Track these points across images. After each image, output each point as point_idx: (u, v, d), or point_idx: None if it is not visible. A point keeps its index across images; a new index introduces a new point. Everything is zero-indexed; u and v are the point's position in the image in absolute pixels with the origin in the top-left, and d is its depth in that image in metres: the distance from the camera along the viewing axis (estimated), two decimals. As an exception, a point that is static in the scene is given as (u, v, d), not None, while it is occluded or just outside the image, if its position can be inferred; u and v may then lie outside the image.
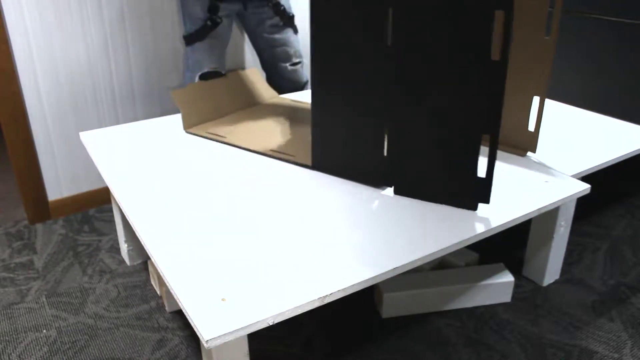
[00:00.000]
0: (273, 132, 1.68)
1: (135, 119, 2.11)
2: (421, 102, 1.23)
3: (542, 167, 1.49)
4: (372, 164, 1.35)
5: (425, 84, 1.21)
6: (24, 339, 1.46)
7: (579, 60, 1.92)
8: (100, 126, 2.05)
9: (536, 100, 1.50)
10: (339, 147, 1.39)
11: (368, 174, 1.37)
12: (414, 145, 1.27)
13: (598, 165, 1.54)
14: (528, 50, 1.47)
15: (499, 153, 1.58)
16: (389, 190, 1.36)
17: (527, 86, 1.50)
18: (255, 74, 2.02)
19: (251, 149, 1.57)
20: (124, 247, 1.76)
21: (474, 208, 1.26)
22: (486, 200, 1.24)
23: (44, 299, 1.61)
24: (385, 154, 1.32)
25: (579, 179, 1.45)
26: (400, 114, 1.26)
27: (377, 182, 1.37)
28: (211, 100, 1.80)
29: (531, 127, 1.55)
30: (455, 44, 1.15)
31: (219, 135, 1.64)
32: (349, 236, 1.16)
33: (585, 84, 1.93)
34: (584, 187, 1.38)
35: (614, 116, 1.89)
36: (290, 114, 1.84)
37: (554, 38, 1.42)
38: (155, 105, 2.14)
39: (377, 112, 1.30)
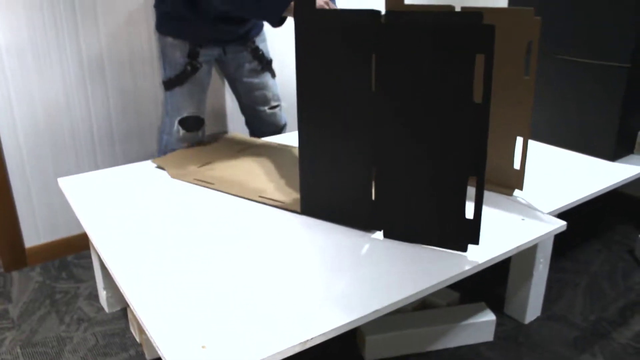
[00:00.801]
0: (260, 176, 1.68)
1: (115, 161, 2.11)
2: (406, 146, 1.24)
3: (518, 206, 1.51)
4: (361, 208, 1.35)
5: (409, 129, 1.23)
6: (-3, 393, 1.41)
7: (549, 98, 1.98)
8: (78, 169, 2.04)
9: (519, 139, 1.53)
10: (327, 192, 1.39)
11: (357, 218, 1.37)
12: (401, 188, 1.28)
13: (573, 202, 1.57)
14: (509, 92, 1.51)
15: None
16: (379, 233, 1.36)
17: (511, 127, 1.53)
18: (235, 136, 2.05)
19: (240, 195, 1.56)
20: (102, 294, 1.73)
21: (464, 249, 1.26)
22: (475, 241, 1.25)
23: (19, 350, 1.56)
24: (373, 198, 1.33)
25: (555, 215, 1.48)
26: (387, 158, 1.28)
27: (366, 226, 1.37)
28: (194, 158, 1.83)
29: (516, 166, 1.57)
30: (438, 88, 1.17)
31: (207, 182, 1.64)
32: (331, 279, 1.16)
33: (556, 122, 1.98)
34: (560, 224, 1.40)
35: (586, 153, 1.93)
36: (276, 156, 1.85)
37: (533, 78, 1.45)
38: (134, 147, 2.14)
39: (364, 157, 1.31)
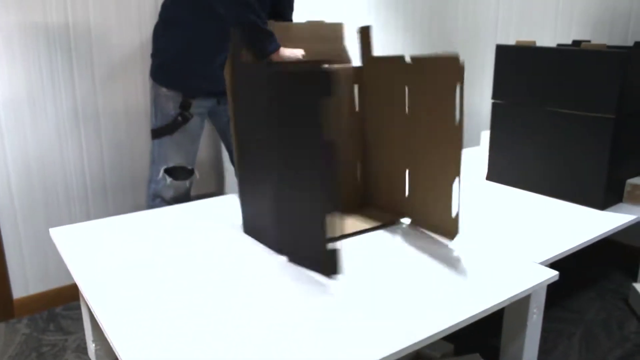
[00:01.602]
0: None
1: (107, 213, 2.11)
2: (286, 185, 1.39)
3: (509, 256, 1.52)
4: (271, 233, 1.51)
5: (288, 168, 1.38)
6: None
7: (538, 149, 2.01)
8: (71, 220, 2.03)
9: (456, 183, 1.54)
10: (253, 216, 1.58)
11: (271, 243, 1.52)
12: (289, 218, 1.42)
13: (564, 251, 1.57)
14: (440, 135, 1.53)
15: (473, 243, 1.61)
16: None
17: (444, 171, 1.53)
18: (339, 30, 1.89)
19: None
20: (91, 346, 1.69)
21: (329, 277, 1.37)
22: (335, 271, 1.34)
23: (3, 406, 1.52)
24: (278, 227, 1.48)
25: (547, 265, 1.48)
26: (277, 192, 1.43)
27: (278, 250, 1.50)
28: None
29: (453, 211, 1.56)
30: (297, 131, 1.31)
31: None
32: (315, 331, 1.14)
33: (546, 172, 2.00)
34: (553, 274, 1.41)
35: (576, 202, 1.95)
36: None
37: (461, 121, 1.47)
38: (127, 199, 2.15)
39: (268, 189, 1.47)
